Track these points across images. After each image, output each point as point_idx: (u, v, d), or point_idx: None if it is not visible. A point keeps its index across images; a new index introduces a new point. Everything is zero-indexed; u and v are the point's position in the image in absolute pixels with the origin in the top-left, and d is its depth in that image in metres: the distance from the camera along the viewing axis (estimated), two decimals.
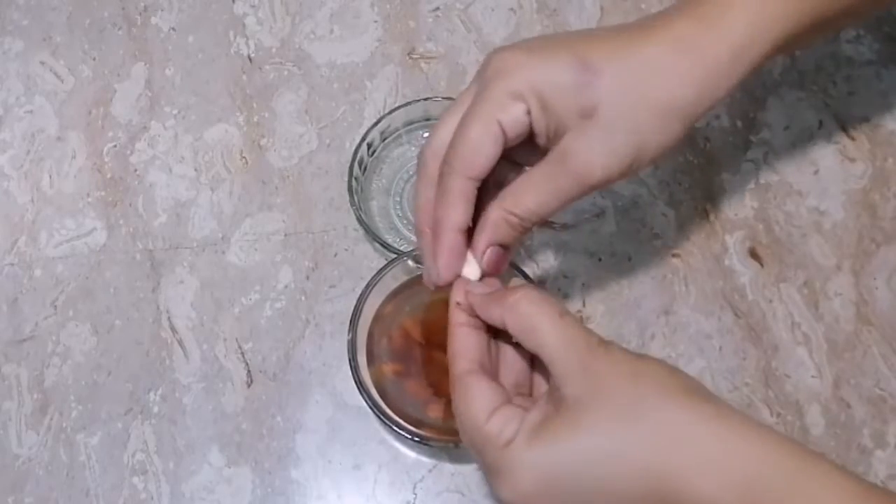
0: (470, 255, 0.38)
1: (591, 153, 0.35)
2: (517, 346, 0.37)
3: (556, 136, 0.36)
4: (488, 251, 0.37)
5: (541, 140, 0.37)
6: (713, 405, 0.32)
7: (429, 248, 0.38)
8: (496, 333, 0.38)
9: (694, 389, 0.33)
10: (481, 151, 0.36)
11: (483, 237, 0.37)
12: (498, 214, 0.37)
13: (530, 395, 0.38)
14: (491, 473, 0.34)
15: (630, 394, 0.32)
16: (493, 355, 0.38)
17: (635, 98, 0.35)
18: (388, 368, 0.48)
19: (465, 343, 0.37)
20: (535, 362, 0.38)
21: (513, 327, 0.35)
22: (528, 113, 0.35)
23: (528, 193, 0.36)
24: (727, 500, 0.30)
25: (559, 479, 0.32)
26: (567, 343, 0.33)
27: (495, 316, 0.35)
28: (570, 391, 0.32)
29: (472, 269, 0.38)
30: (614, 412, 0.32)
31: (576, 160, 0.35)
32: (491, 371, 0.37)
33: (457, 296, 0.37)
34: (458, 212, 0.37)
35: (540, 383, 0.37)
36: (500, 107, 0.35)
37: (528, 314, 0.34)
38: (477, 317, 0.37)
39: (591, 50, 0.35)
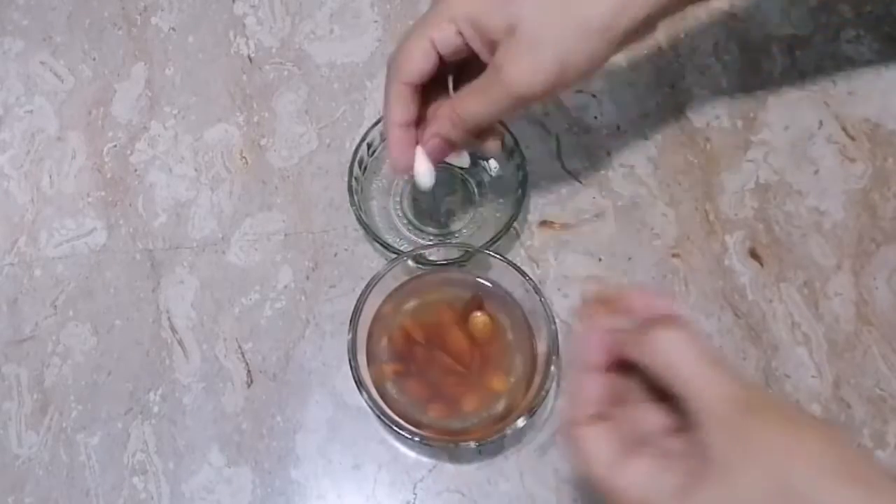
0: (419, 150, 0.45)
1: (515, 66, 0.40)
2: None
3: (493, 52, 0.41)
4: (431, 140, 0.44)
5: (484, 57, 0.42)
6: (865, 489, 0.30)
7: (388, 142, 0.45)
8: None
9: (848, 472, 0.30)
10: (412, 61, 0.42)
11: (429, 128, 0.44)
12: (443, 111, 0.44)
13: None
14: None
15: (780, 472, 0.30)
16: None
17: (555, 15, 0.39)
18: (388, 368, 0.48)
19: (587, 393, 0.36)
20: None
21: (659, 373, 0.34)
22: (460, 34, 0.41)
23: (468, 98, 0.43)
24: None
25: None
26: (719, 401, 0.32)
27: (643, 351, 0.35)
28: (719, 456, 0.31)
29: (422, 161, 0.45)
30: (765, 490, 0.30)
31: (504, 72, 0.40)
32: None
33: (590, 342, 0.37)
34: (396, 110, 0.44)
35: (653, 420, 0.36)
36: (433, 27, 0.42)
37: (681, 353, 0.33)
38: (606, 360, 0.36)
39: None
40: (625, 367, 0.36)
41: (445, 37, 0.42)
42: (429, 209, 0.54)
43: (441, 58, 0.43)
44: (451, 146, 0.45)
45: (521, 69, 0.40)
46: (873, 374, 0.49)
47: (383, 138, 0.55)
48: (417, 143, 0.45)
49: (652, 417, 0.36)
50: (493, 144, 0.46)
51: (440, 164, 0.55)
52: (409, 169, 0.46)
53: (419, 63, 0.42)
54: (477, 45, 0.42)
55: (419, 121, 0.45)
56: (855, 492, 0.30)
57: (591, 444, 0.35)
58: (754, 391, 0.33)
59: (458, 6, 0.41)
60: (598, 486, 0.34)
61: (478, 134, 0.45)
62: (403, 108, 0.44)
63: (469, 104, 0.42)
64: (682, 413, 0.33)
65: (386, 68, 0.44)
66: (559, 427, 0.36)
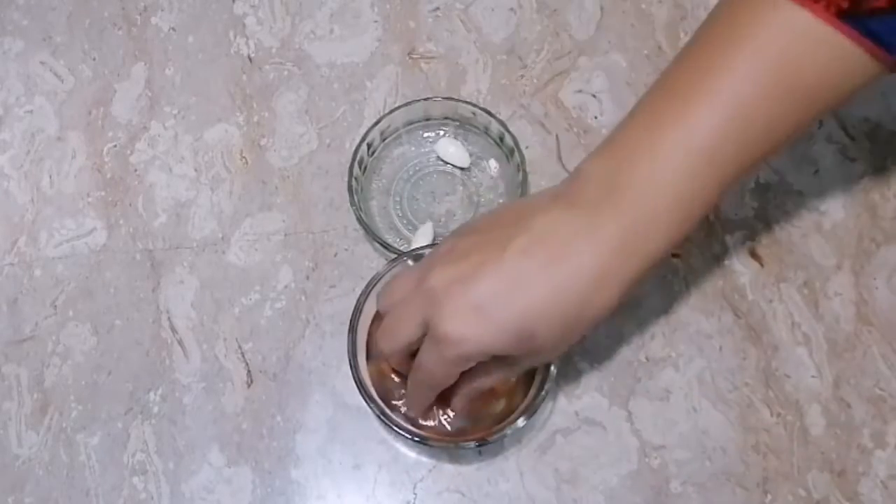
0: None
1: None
2: None
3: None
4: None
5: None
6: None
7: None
8: None
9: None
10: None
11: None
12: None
13: None
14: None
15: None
16: None
17: (566, 332, 0.39)
18: (388, 368, 0.47)
19: None
20: None
21: None
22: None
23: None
24: None
25: None
26: None
27: None
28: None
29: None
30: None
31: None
32: None
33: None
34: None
35: None
36: (445, 378, 0.41)
37: None
38: None
39: (528, 316, 0.38)
40: None
41: (452, 377, 0.42)
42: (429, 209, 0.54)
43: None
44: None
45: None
46: (873, 374, 0.49)
47: (383, 138, 0.55)
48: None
49: None
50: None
51: (443, 163, 0.55)
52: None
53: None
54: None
55: None
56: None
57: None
58: None
59: (476, 353, 0.40)
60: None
61: None
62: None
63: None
64: None
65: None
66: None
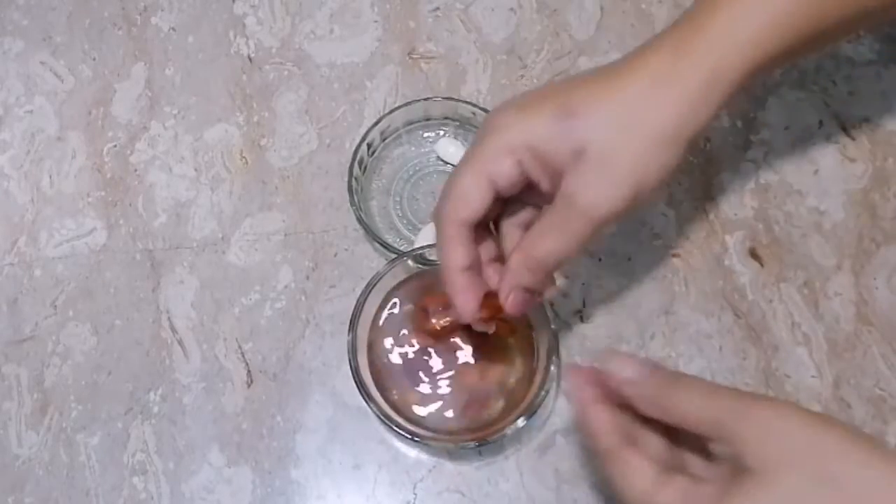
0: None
1: (591, 190, 0.37)
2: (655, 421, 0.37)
3: (557, 181, 0.38)
4: (511, 295, 0.40)
5: (544, 186, 0.39)
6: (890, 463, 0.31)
7: (447, 289, 0.41)
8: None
9: (883, 451, 0.32)
10: (468, 200, 0.39)
11: (505, 283, 0.40)
12: (516, 261, 0.39)
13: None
14: None
15: (820, 468, 0.31)
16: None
17: (622, 132, 0.37)
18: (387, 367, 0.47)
19: (606, 418, 0.37)
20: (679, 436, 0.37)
21: (674, 422, 0.35)
22: (521, 163, 0.38)
23: (544, 237, 0.39)
24: None
25: None
26: (734, 414, 0.33)
27: (651, 412, 0.36)
28: (752, 464, 0.32)
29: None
30: (805, 478, 0.31)
31: (579, 200, 0.37)
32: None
33: (589, 380, 0.38)
34: (456, 254, 0.40)
35: (688, 458, 0.37)
36: (489, 160, 0.38)
37: (686, 409, 0.35)
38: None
39: (571, 96, 0.38)
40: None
41: (505, 170, 0.38)
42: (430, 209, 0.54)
43: (498, 194, 0.39)
44: (534, 295, 0.41)
45: (598, 192, 0.37)
46: (873, 374, 0.49)
47: (383, 138, 0.55)
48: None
49: (667, 452, 0.37)
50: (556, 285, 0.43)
51: (443, 163, 0.55)
52: (477, 310, 0.41)
53: (477, 202, 0.39)
54: (537, 175, 0.38)
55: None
56: (888, 467, 0.31)
57: (630, 469, 0.35)
58: (763, 397, 0.34)
59: (516, 136, 0.38)
60: None
61: None
62: (464, 251, 0.40)
63: (546, 244, 0.39)
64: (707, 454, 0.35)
65: (436, 209, 0.41)
66: (596, 456, 0.38)
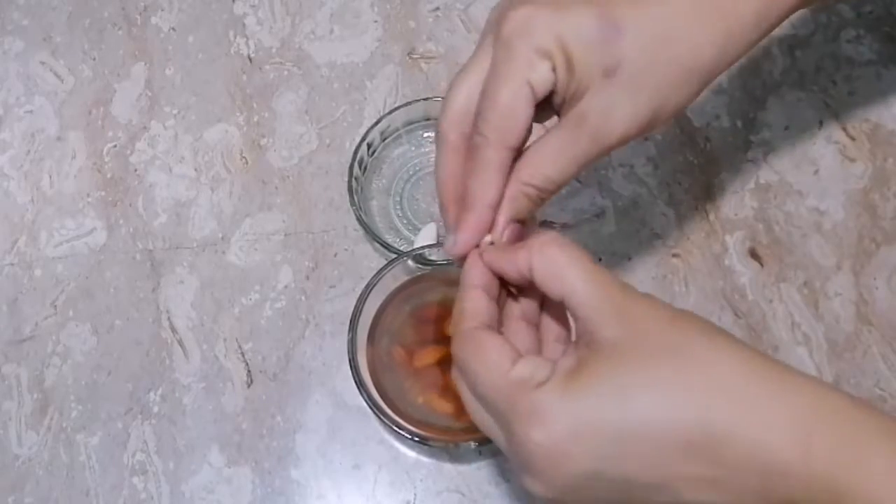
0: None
1: (611, 113, 0.33)
2: (527, 307, 0.35)
3: (573, 97, 0.34)
4: (510, 228, 0.36)
5: (557, 100, 0.35)
6: (757, 353, 0.30)
7: (454, 221, 0.36)
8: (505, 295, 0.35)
9: (734, 338, 0.31)
10: (517, 117, 0.33)
11: (503, 215, 0.35)
12: (516, 188, 0.35)
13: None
14: (519, 420, 0.30)
15: (672, 337, 0.30)
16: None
17: (657, 56, 0.33)
18: (387, 367, 0.47)
19: (477, 304, 0.34)
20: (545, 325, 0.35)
21: (539, 273, 0.32)
22: (554, 70, 0.33)
23: (547, 161, 0.34)
24: (775, 444, 0.28)
25: (598, 422, 0.29)
26: (600, 287, 0.31)
27: (520, 262, 0.32)
28: (607, 334, 0.30)
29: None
30: (656, 354, 0.30)
31: (596, 121, 0.33)
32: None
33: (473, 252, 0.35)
34: (494, 187, 0.34)
35: (554, 347, 0.35)
36: (528, 66, 0.33)
37: (557, 258, 0.31)
38: (491, 278, 0.34)
39: (613, 4, 0.33)
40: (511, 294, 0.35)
41: (545, 78, 0.33)
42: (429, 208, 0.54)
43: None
44: (527, 225, 0.37)
45: (616, 115, 0.33)
46: (873, 374, 0.49)
47: (383, 138, 0.55)
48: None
49: (535, 345, 0.35)
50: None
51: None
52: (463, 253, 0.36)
53: (524, 118, 0.34)
54: (562, 86, 0.34)
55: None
56: (750, 353, 0.30)
57: (486, 346, 0.32)
58: (629, 284, 0.32)
59: (549, 35, 0.33)
60: (497, 385, 0.31)
61: None
62: (504, 181, 0.35)
63: (547, 167, 0.34)
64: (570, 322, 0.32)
65: (441, 129, 0.36)
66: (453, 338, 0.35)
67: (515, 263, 0.33)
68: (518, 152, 0.35)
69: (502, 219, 0.35)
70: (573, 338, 0.33)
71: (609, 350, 0.30)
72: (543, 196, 0.35)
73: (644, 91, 0.34)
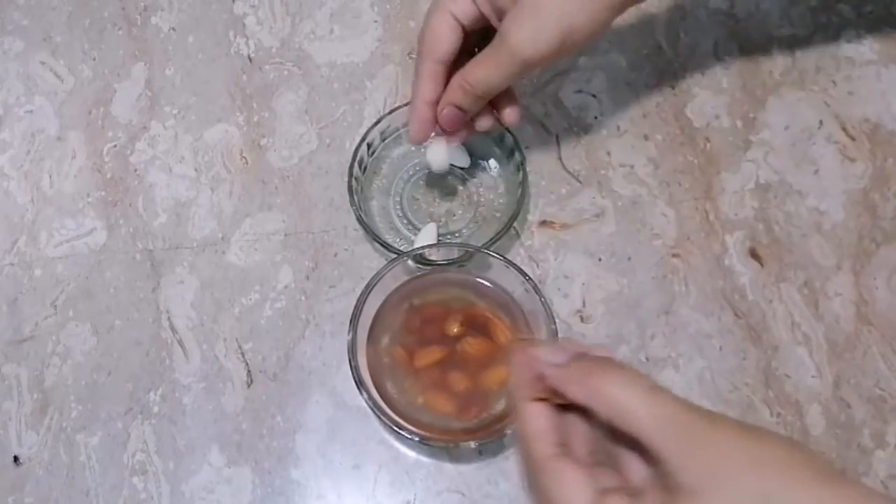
0: (437, 136, 0.49)
1: (521, 32, 0.42)
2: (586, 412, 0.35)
3: (501, 21, 0.43)
4: (447, 109, 0.46)
5: (495, 24, 0.44)
6: (844, 489, 0.29)
7: (410, 115, 0.48)
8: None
9: (822, 472, 0.30)
10: (440, 38, 0.45)
11: (444, 98, 0.46)
12: (455, 81, 0.45)
13: (609, 463, 0.35)
14: None
15: (755, 486, 0.29)
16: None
17: None
18: (387, 368, 0.47)
19: (542, 423, 0.35)
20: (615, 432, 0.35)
21: (602, 412, 0.33)
22: (474, 2, 0.44)
23: (476, 65, 0.45)
24: None
25: None
26: (667, 424, 0.31)
27: (578, 397, 0.34)
28: (686, 480, 0.30)
29: (439, 145, 0.50)
30: (740, 497, 0.29)
31: (510, 39, 0.42)
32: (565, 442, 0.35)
33: (525, 369, 0.36)
34: (426, 88, 0.46)
35: (621, 452, 0.35)
36: (453, 3, 0.44)
37: (616, 397, 0.32)
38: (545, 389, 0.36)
39: None
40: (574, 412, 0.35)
41: (463, 9, 0.44)
42: (435, 199, 0.54)
43: (464, 30, 0.45)
44: (465, 114, 0.47)
45: (524, 34, 0.42)
46: (873, 374, 0.49)
47: (383, 138, 0.55)
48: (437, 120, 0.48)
49: (597, 442, 0.35)
50: (510, 112, 0.48)
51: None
52: (425, 141, 0.49)
53: (447, 39, 0.45)
54: (488, 12, 0.44)
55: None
56: (831, 491, 0.29)
57: (566, 483, 0.33)
58: (702, 409, 0.32)
59: None
60: None
61: (492, 103, 0.47)
62: (434, 86, 0.46)
63: (477, 71, 0.44)
64: (642, 452, 0.33)
65: (417, 48, 0.47)
66: (523, 462, 0.35)
67: (574, 396, 0.34)
68: (447, 65, 0.46)
69: (443, 100, 0.46)
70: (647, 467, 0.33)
71: (691, 494, 0.30)
72: (475, 92, 0.45)
73: (547, 14, 0.42)
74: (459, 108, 0.46)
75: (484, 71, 0.44)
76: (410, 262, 0.49)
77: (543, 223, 0.54)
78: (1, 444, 0.51)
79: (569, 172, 0.55)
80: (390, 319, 0.49)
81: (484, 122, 0.48)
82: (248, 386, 0.51)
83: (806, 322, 0.51)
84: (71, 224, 0.56)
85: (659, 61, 0.58)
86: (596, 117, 0.57)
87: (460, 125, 0.48)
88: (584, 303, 0.52)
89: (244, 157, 0.57)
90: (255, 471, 0.49)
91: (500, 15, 0.43)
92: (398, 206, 0.54)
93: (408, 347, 0.48)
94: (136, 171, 0.58)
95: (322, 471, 0.49)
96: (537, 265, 0.53)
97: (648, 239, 0.53)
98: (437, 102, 0.47)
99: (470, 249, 0.49)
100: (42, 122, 0.60)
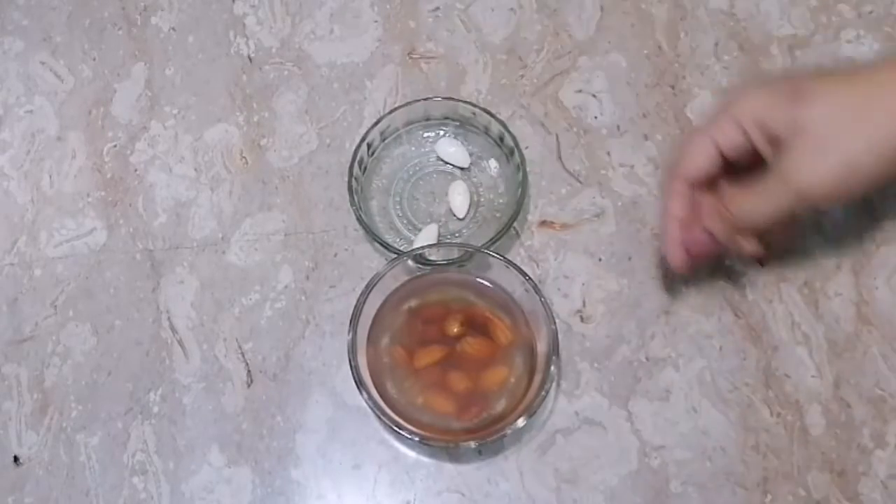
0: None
1: (800, 166, 0.41)
2: None
3: (777, 153, 0.42)
4: (698, 232, 0.46)
5: (766, 155, 0.43)
6: None
7: (663, 237, 0.48)
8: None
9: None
10: (694, 160, 0.45)
11: (698, 220, 0.46)
12: (714, 206, 0.45)
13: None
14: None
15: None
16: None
17: (844, 123, 0.40)
18: (387, 367, 0.47)
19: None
20: None
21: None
22: (745, 134, 0.43)
23: (744, 195, 0.44)
24: None
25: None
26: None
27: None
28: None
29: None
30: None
31: (787, 171, 0.41)
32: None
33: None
34: (676, 205, 0.46)
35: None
36: (717, 129, 0.44)
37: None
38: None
39: (805, 83, 0.42)
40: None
41: (729, 138, 0.44)
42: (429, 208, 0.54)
43: (724, 158, 0.44)
44: (716, 243, 0.46)
45: (806, 169, 0.41)
46: (873, 374, 0.49)
47: (383, 138, 0.55)
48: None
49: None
50: (756, 250, 0.46)
51: (443, 163, 0.56)
52: (686, 264, 0.47)
53: (700, 161, 0.45)
54: (761, 144, 0.43)
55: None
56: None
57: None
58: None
59: (746, 108, 0.43)
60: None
61: (751, 237, 0.46)
62: (682, 204, 0.46)
63: (744, 201, 0.44)
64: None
65: (667, 168, 0.47)
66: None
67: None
68: (698, 187, 0.45)
69: (698, 226, 0.46)
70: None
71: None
72: (736, 223, 0.44)
73: (831, 150, 0.40)
74: (713, 234, 0.45)
75: (752, 203, 0.43)
76: (410, 262, 0.49)
77: (543, 223, 0.54)
78: (1, 444, 0.51)
79: (569, 172, 0.55)
80: (390, 319, 0.49)
81: (748, 249, 0.46)
82: (248, 386, 0.51)
83: (806, 322, 0.51)
84: (71, 224, 0.56)
85: (659, 61, 0.58)
86: (596, 117, 0.57)
87: (707, 252, 0.47)
88: (584, 303, 0.52)
89: (244, 157, 0.57)
90: (255, 471, 0.49)
91: (776, 144, 0.42)
92: (398, 206, 0.54)
93: (408, 347, 0.48)
94: (136, 171, 0.58)
95: (322, 471, 0.49)
96: (537, 265, 0.53)
97: (648, 239, 0.53)
98: (685, 220, 0.46)
99: (470, 249, 0.49)
100: (42, 122, 0.60)
